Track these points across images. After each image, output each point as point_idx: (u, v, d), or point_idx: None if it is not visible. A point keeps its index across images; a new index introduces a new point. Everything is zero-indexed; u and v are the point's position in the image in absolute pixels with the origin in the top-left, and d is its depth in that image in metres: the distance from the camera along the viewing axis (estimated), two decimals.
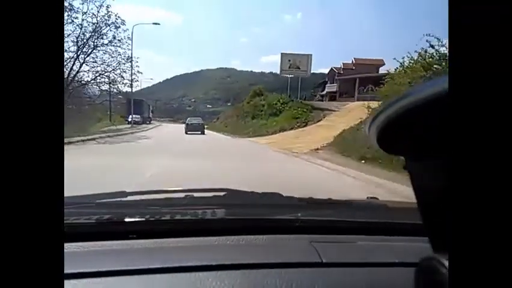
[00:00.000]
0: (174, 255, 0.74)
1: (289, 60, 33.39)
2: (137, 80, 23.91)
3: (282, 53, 34.05)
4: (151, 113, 55.33)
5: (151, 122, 51.09)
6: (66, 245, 0.57)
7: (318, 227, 0.94)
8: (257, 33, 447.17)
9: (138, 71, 22.64)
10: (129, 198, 1.17)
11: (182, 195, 1.21)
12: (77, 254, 0.72)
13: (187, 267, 0.67)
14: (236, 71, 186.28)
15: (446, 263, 0.33)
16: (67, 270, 0.47)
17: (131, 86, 23.16)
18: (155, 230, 0.87)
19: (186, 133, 23.69)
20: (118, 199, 1.17)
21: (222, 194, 1.18)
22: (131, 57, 21.81)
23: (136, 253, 0.75)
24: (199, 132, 24.46)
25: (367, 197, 1.44)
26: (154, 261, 0.68)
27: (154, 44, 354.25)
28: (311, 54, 34.47)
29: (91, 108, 22.25)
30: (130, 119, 35.12)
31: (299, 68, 33.20)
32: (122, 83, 20.79)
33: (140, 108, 41.19)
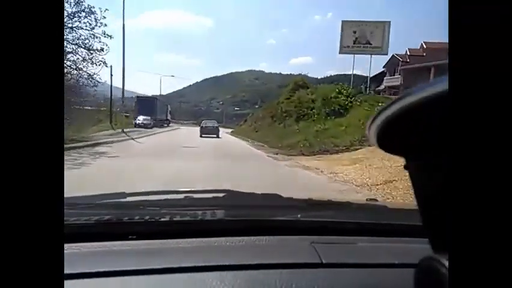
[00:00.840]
0: (174, 256, 0.74)
1: (355, 32, 22.71)
2: (106, 49, 13.35)
3: (343, 21, 23.37)
4: (169, 115, 48.06)
5: (169, 124, 45.02)
6: (66, 245, 0.57)
7: (318, 228, 0.93)
8: (286, 34, 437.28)
9: (106, 33, 13.44)
10: (129, 199, 1.17)
11: (182, 196, 1.22)
12: (76, 254, 0.73)
13: (187, 268, 0.67)
14: (264, 73, 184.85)
15: (446, 263, 0.33)
16: (66, 271, 0.47)
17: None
18: (155, 230, 0.87)
19: (201, 136, 22.25)
20: (118, 200, 1.18)
21: (221, 195, 1.18)
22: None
23: (136, 254, 0.75)
24: (215, 136, 23.07)
25: (366, 199, 1.41)
26: (153, 262, 0.69)
27: (184, 48, 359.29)
28: (389, 22, 23.24)
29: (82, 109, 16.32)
30: (137, 121, 30.27)
31: (370, 44, 22.44)
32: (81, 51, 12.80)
33: (152, 108, 35.33)
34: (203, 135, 22.86)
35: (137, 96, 39.73)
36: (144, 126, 29.85)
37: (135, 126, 28.87)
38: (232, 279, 0.64)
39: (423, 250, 0.39)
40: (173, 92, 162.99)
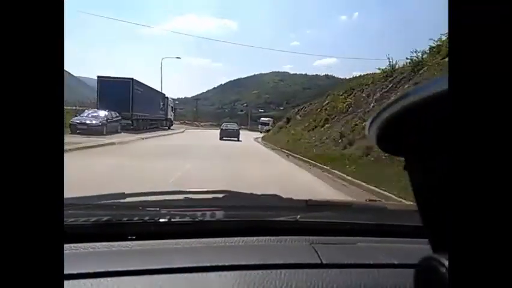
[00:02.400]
0: (173, 256, 0.74)
1: None
2: None
3: None
4: (171, 113, 32.35)
5: (171, 126, 32.05)
6: (65, 245, 0.58)
7: (318, 229, 0.93)
8: (310, 35, 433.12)
9: None
10: (128, 199, 1.17)
11: (181, 196, 1.21)
12: (75, 255, 0.73)
13: (186, 268, 0.67)
14: (289, 74, 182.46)
15: (446, 263, 0.33)
16: (66, 271, 0.47)
17: None
18: (154, 231, 0.87)
19: (221, 139, 20.71)
20: (117, 200, 1.17)
21: (221, 195, 1.18)
22: None
23: (135, 254, 0.75)
24: (235, 139, 21.34)
25: (366, 199, 1.37)
26: (153, 263, 0.69)
27: (210, 51, 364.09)
28: None
29: None
30: (75, 121, 15.90)
31: None
32: None
33: (123, 98, 20.22)
34: (224, 138, 21.24)
35: (99, 77, 22.04)
36: (87, 131, 15.43)
37: (72, 131, 15.17)
38: (231, 280, 0.64)
39: (423, 250, 0.39)
40: (198, 94, 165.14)
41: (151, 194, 1.25)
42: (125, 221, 0.89)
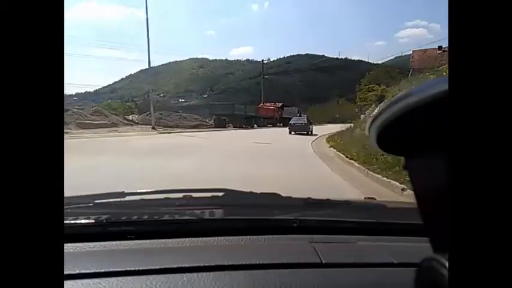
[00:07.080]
0: (173, 255, 0.74)
1: None
2: None
3: None
4: None
5: None
6: (65, 245, 0.57)
7: (318, 228, 0.94)
8: (224, 24, 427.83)
9: None
10: (128, 198, 1.16)
11: (181, 195, 1.21)
12: (75, 254, 0.72)
13: (186, 268, 0.67)
14: (208, 60, 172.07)
15: (446, 264, 0.33)
16: (66, 271, 0.48)
17: None
18: (153, 230, 0.87)
19: (290, 133, 21.05)
20: (117, 199, 1.16)
21: (220, 194, 1.18)
22: None
23: (135, 254, 0.75)
24: (305, 132, 20.97)
25: (365, 197, 1.45)
26: (152, 262, 0.69)
27: (118, 42, 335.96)
28: None
29: None
30: None
31: None
32: None
33: None
34: (293, 133, 21.21)
35: None
36: None
37: None
38: (231, 279, 0.65)
39: (423, 249, 0.39)
40: (104, 87, 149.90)
41: (150, 193, 1.24)
42: (124, 220, 0.88)
